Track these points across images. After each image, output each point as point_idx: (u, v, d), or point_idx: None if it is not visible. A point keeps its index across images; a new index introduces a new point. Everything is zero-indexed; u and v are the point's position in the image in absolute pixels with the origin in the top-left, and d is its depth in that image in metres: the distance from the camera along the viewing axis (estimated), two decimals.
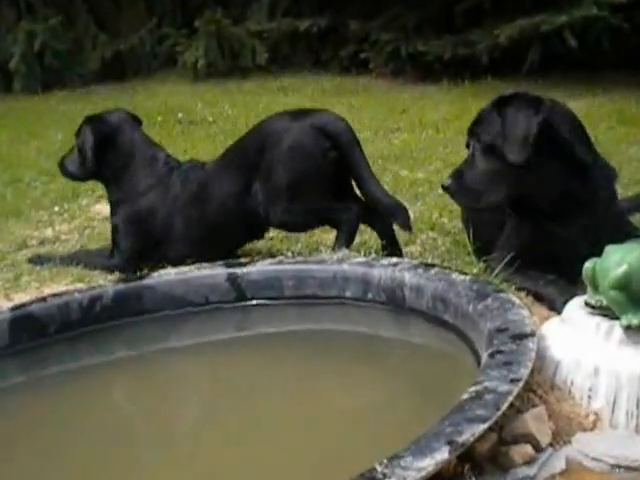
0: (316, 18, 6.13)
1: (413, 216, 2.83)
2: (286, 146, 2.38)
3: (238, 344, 2.10)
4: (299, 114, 2.50)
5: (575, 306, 1.62)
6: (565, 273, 1.95)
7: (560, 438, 1.42)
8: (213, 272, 2.13)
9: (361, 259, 2.09)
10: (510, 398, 1.33)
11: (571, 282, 1.90)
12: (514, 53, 5.03)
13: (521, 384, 1.37)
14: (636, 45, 4.85)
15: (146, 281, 2.14)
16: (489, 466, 1.35)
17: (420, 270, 1.92)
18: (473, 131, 2.03)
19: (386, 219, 2.39)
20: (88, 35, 6.83)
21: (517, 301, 1.67)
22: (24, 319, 2.03)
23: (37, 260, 2.69)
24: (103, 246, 2.75)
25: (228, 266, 2.15)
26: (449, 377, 1.71)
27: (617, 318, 1.52)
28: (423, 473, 1.17)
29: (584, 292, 1.62)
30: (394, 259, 2.05)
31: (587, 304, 1.59)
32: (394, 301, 1.93)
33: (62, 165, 2.74)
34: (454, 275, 1.85)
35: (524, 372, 1.39)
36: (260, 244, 2.66)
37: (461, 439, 1.23)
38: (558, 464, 1.36)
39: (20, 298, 2.34)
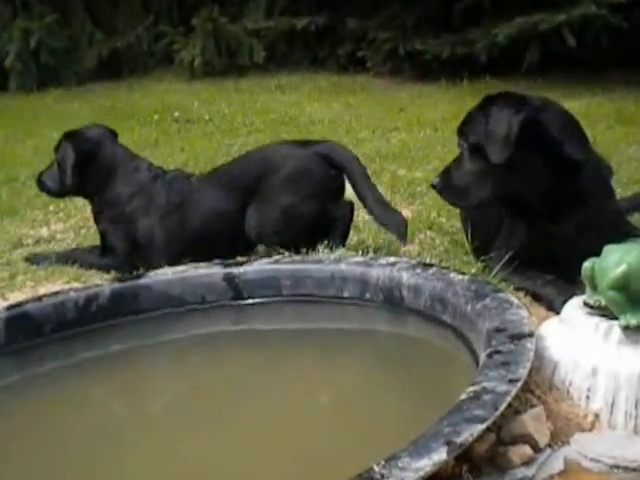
0: (314, 16, 6.12)
1: (411, 215, 2.83)
2: (289, 171, 2.39)
3: (234, 343, 2.09)
4: (303, 143, 2.56)
5: (574, 306, 1.61)
6: (563, 272, 1.95)
7: (558, 439, 1.42)
8: (210, 271, 2.13)
9: (359, 258, 2.09)
10: (508, 398, 1.32)
11: (570, 282, 1.90)
12: (513, 52, 5.03)
13: (519, 384, 1.36)
14: (635, 44, 4.85)
15: (142, 280, 2.13)
16: (487, 467, 1.34)
17: (418, 270, 1.91)
18: (462, 131, 2.06)
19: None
20: (84, 33, 6.81)
21: (515, 301, 1.67)
22: (20, 318, 2.02)
23: (34, 259, 2.69)
24: (99, 245, 2.74)
25: (225, 265, 2.14)
26: (447, 377, 1.70)
27: (616, 318, 1.52)
28: (421, 474, 1.17)
29: (583, 292, 1.62)
30: (392, 258, 2.05)
31: (586, 304, 1.59)
32: (392, 301, 1.93)
33: (40, 181, 2.74)
34: (452, 275, 1.84)
35: (522, 372, 1.39)
36: None
37: (459, 440, 1.22)
38: (556, 465, 1.36)
39: (15, 297, 2.33)
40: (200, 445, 1.55)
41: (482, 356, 1.49)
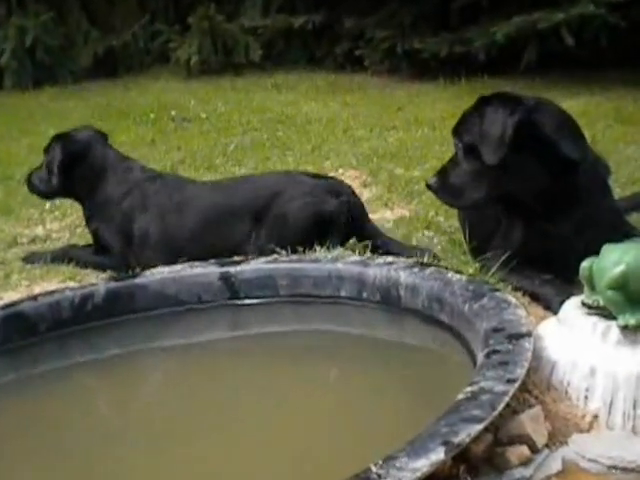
0: (311, 15, 6.11)
1: (408, 215, 2.82)
2: (301, 199, 2.41)
3: (231, 343, 2.08)
4: (314, 175, 2.65)
5: (572, 306, 1.61)
6: (561, 272, 1.95)
7: (556, 439, 1.41)
8: (206, 271, 2.12)
9: (356, 258, 2.08)
10: (506, 398, 1.32)
11: (567, 282, 1.90)
12: (511, 51, 5.02)
13: (517, 384, 1.36)
14: (633, 43, 4.85)
15: (138, 280, 2.12)
16: (485, 467, 1.34)
17: (415, 269, 1.91)
18: (457, 131, 2.06)
19: None
20: (80, 31, 6.78)
21: (513, 301, 1.66)
22: (15, 318, 2.01)
23: (31, 258, 2.67)
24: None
25: (221, 265, 2.13)
26: (445, 377, 1.70)
27: (614, 318, 1.51)
28: (418, 474, 1.16)
29: (581, 292, 1.61)
30: (389, 258, 2.04)
31: (584, 304, 1.58)
32: (389, 300, 1.92)
33: (29, 181, 2.75)
34: (450, 274, 1.84)
35: (520, 372, 1.38)
36: None
37: (457, 440, 1.22)
38: (554, 465, 1.36)
39: (10, 296, 2.32)
40: (198, 445, 1.54)
41: (480, 356, 1.48)
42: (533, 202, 2.02)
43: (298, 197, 2.42)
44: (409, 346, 1.93)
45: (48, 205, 3.32)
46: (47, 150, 2.68)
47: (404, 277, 1.89)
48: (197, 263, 2.17)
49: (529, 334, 1.51)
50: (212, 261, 2.16)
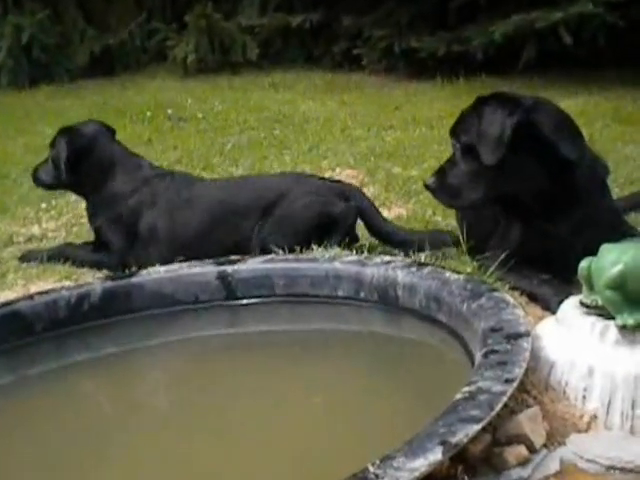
0: (308, 13, 6.09)
1: (406, 214, 2.82)
2: (306, 198, 2.40)
3: (228, 343, 2.08)
4: (324, 178, 2.67)
5: (570, 306, 1.61)
6: (560, 272, 1.94)
7: (554, 439, 1.41)
8: (203, 270, 2.11)
9: (353, 257, 2.07)
10: (504, 398, 1.32)
11: (566, 281, 1.89)
12: (509, 50, 5.01)
13: (515, 384, 1.35)
14: (632, 42, 4.85)
15: (135, 279, 2.11)
16: (482, 467, 1.33)
17: (413, 269, 1.90)
18: (454, 131, 2.05)
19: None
20: (76, 29, 6.76)
21: (511, 300, 1.66)
22: (11, 317, 2.00)
23: (27, 257, 2.66)
24: (91, 241, 2.72)
25: (218, 264, 2.12)
26: (442, 377, 1.69)
27: (612, 318, 1.51)
28: (416, 474, 1.16)
29: (579, 292, 1.61)
30: (387, 257, 2.03)
31: (582, 304, 1.58)
32: (387, 300, 1.91)
33: (35, 174, 2.74)
34: (448, 274, 1.83)
35: (518, 372, 1.38)
36: None
37: (454, 440, 1.21)
38: (552, 465, 1.35)
39: (6, 296, 2.31)
40: (195, 445, 1.53)
41: (478, 356, 1.48)
42: (531, 202, 2.02)
43: (304, 196, 2.41)
44: (407, 346, 1.93)
45: (44, 204, 3.31)
46: (52, 144, 2.66)
47: (402, 276, 1.89)
48: (194, 262, 2.16)
49: (527, 334, 1.51)
50: (209, 260, 2.15)
